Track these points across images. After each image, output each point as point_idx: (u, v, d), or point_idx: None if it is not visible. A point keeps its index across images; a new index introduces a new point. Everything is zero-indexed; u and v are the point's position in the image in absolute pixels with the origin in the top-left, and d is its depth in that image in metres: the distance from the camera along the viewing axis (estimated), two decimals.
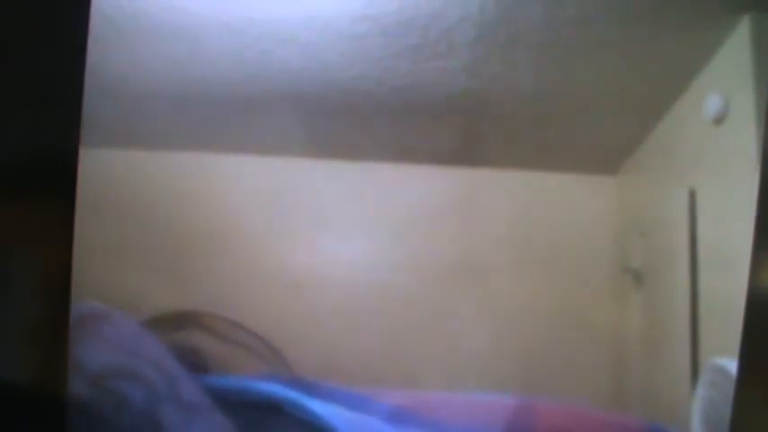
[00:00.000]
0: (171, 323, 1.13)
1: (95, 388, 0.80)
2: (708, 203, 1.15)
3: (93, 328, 0.87)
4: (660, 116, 1.25)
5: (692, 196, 1.17)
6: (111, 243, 1.20)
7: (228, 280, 1.26)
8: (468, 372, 1.27)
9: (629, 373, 1.29)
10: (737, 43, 1.05)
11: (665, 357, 1.22)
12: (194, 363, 1.03)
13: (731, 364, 0.88)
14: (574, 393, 1.21)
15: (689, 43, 1.10)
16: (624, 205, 1.36)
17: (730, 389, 0.74)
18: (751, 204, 0.71)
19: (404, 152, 1.33)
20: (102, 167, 1.14)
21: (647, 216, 1.32)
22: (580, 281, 1.32)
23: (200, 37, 1.09)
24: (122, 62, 1.11)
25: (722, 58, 1.09)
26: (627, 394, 1.29)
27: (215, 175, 1.30)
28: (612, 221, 1.35)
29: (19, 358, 0.62)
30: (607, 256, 1.34)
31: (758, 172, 0.72)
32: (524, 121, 1.28)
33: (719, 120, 1.09)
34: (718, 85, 1.10)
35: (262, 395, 0.92)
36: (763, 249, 0.70)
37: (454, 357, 1.28)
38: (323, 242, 1.30)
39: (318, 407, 0.91)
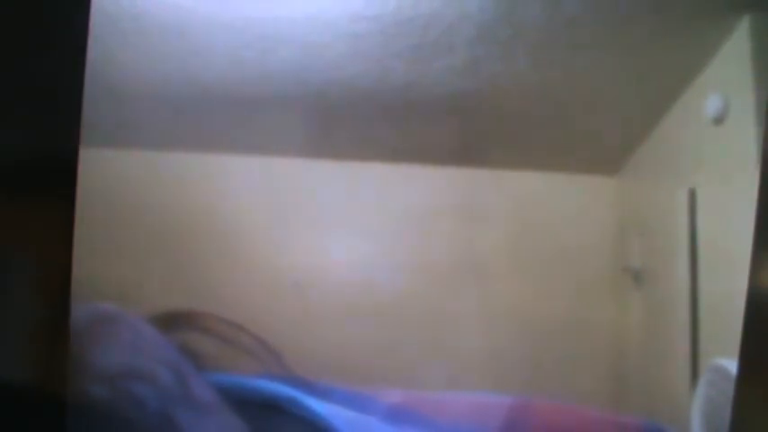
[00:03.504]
0: (167, 323, 1.14)
1: (109, 389, 0.80)
2: (708, 203, 1.15)
3: (106, 328, 0.88)
4: (660, 116, 1.25)
5: (692, 196, 1.17)
6: (111, 243, 1.20)
7: (228, 280, 1.26)
8: (468, 372, 1.27)
9: (628, 372, 1.29)
10: (737, 43, 1.05)
11: (665, 357, 1.22)
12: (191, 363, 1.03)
13: (731, 364, 0.88)
14: (573, 393, 1.21)
15: (689, 43, 1.10)
16: (624, 205, 1.36)
17: (730, 389, 0.74)
18: (751, 204, 0.71)
19: (404, 152, 1.33)
20: (102, 167, 1.14)
21: (647, 216, 1.32)
22: (580, 281, 1.32)
23: (200, 36, 1.09)
24: (122, 62, 1.11)
25: (722, 58, 1.09)
26: (627, 394, 1.29)
27: (215, 175, 1.30)
28: (612, 221, 1.35)
29: (19, 358, 0.62)
30: (607, 256, 1.33)
31: (758, 172, 0.72)
32: (524, 121, 1.28)
33: (719, 120, 1.09)
34: (718, 85, 1.10)
35: (260, 393, 0.93)
36: (763, 249, 0.70)
37: (454, 357, 1.28)
38: (322, 242, 1.30)
39: (318, 405, 0.91)
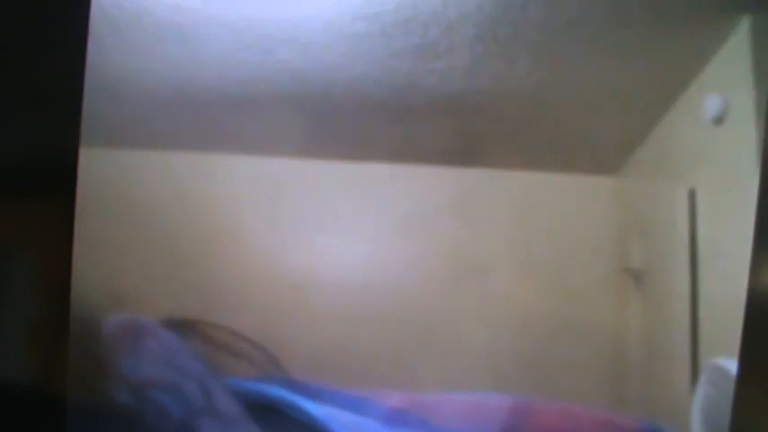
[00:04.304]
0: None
1: (137, 397, 0.82)
2: (708, 203, 1.15)
3: (136, 340, 0.89)
4: (660, 116, 1.25)
5: (692, 196, 1.17)
6: (111, 243, 1.20)
7: (227, 280, 1.26)
8: (468, 372, 1.27)
9: (628, 373, 1.29)
10: (737, 43, 1.05)
11: (665, 357, 1.22)
12: None
13: (731, 364, 0.88)
14: (573, 393, 1.21)
15: (689, 43, 1.10)
16: (624, 205, 1.36)
17: (730, 389, 0.74)
18: (751, 204, 0.71)
19: (404, 152, 1.33)
20: (102, 167, 1.14)
21: (646, 216, 1.32)
22: (580, 281, 1.32)
23: (200, 37, 1.09)
24: (122, 62, 1.11)
25: (722, 58, 1.09)
26: (627, 394, 1.29)
27: (215, 175, 1.30)
28: (612, 221, 1.35)
29: (18, 358, 0.62)
30: (607, 256, 1.33)
31: (758, 172, 0.72)
32: (524, 121, 1.28)
33: (719, 120, 1.09)
34: (718, 85, 1.10)
35: (259, 396, 0.93)
36: (763, 249, 0.70)
37: (454, 357, 1.28)
38: (322, 243, 1.30)
39: (315, 409, 0.91)
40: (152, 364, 0.88)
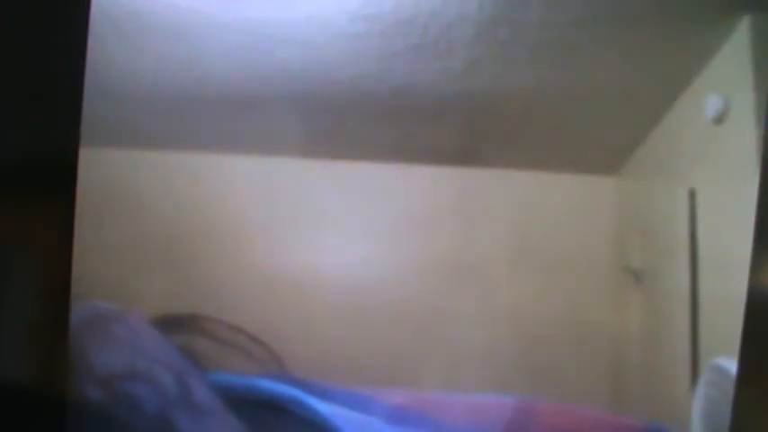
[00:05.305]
0: (168, 326, 1.14)
1: (107, 389, 0.80)
2: (708, 203, 1.15)
3: (105, 328, 0.88)
4: (660, 116, 1.25)
5: (692, 196, 1.17)
6: (111, 243, 1.20)
7: (227, 280, 1.26)
8: (468, 372, 1.27)
9: (629, 373, 1.29)
10: (737, 43, 1.05)
11: (665, 357, 1.22)
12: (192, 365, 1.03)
13: (731, 364, 0.88)
14: (573, 393, 1.21)
15: (689, 43, 1.10)
16: (624, 205, 1.36)
17: (730, 389, 0.74)
18: (751, 204, 0.71)
19: (404, 152, 1.33)
20: (102, 167, 1.14)
21: (647, 216, 1.32)
22: (580, 281, 1.32)
23: (200, 37, 1.09)
24: (122, 62, 1.11)
25: (722, 58, 1.09)
26: (627, 394, 1.29)
27: (214, 174, 1.30)
28: (612, 221, 1.35)
29: (19, 358, 0.62)
30: (607, 256, 1.33)
31: (758, 172, 0.72)
32: (524, 121, 1.28)
33: (719, 120, 1.09)
34: (718, 85, 1.10)
35: (264, 393, 0.93)
36: (763, 249, 0.70)
37: (454, 357, 1.28)
38: (322, 242, 1.30)
39: (320, 406, 0.91)
40: (121, 354, 0.86)
